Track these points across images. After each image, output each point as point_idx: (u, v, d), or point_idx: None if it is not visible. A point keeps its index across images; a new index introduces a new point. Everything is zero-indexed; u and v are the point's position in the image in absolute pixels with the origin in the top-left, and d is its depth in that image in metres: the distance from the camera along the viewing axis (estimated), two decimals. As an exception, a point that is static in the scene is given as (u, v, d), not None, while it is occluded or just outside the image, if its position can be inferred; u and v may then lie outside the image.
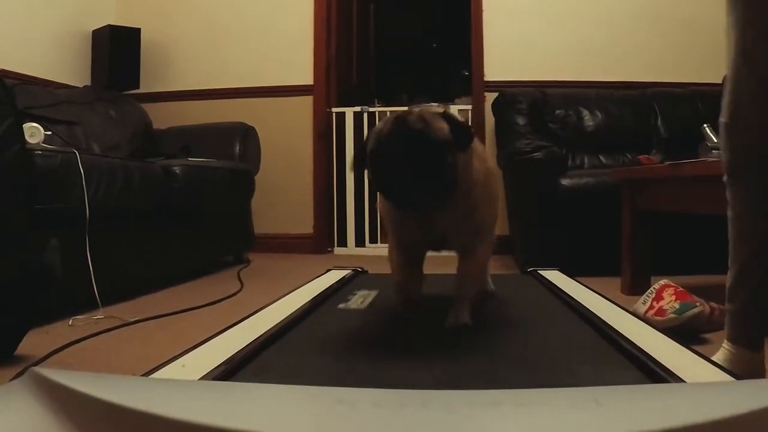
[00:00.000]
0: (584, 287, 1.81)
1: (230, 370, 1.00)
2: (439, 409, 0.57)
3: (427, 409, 0.58)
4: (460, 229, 1.23)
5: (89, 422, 0.57)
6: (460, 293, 1.29)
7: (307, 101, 3.96)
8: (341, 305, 1.56)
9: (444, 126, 1.10)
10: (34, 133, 2.24)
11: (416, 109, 1.15)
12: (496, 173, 1.35)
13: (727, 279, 1.28)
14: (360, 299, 1.63)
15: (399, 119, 1.11)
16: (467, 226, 1.23)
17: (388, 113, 4.41)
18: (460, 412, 0.57)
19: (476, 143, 1.20)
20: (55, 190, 1.93)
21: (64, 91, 3.23)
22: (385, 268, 1.77)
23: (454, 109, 3.90)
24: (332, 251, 3.95)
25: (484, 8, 3.84)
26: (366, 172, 1.17)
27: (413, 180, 1.09)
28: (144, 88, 3.85)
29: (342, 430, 0.55)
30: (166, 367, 1.02)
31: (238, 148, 3.39)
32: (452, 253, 1.35)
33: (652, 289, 1.77)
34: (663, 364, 0.99)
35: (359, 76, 4.51)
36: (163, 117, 3.78)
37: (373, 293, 1.70)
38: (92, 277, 1.98)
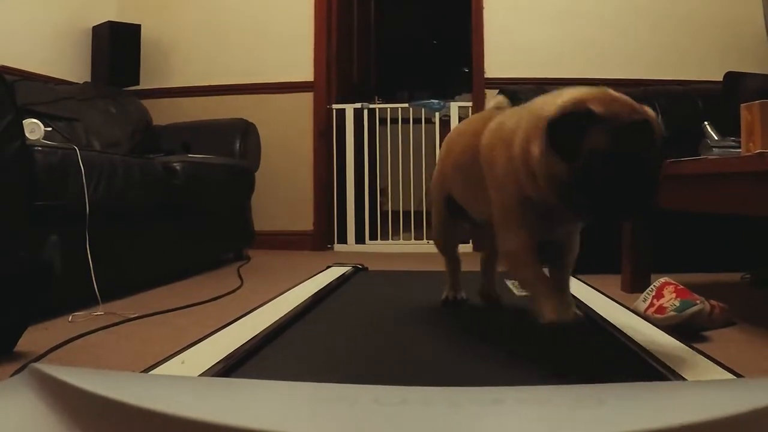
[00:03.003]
0: (585, 285, 1.82)
1: (230, 367, 1.00)
2: (442, 406, 0.57)
3: (430, 405, 0.57)
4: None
5: (89, 418, 0.57)
6: (566, 285, 1.22)
7: (308, 98, 3.95)
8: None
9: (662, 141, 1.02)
10: (34, 129, 2.24)
11: (640, 107, 1.04)
12: None
13: None
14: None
15: (647, 125, 1.00)
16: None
17: (388, 110, 4.36)
18: (462, 409, 0.56)
19: None
20: (55, 187, 1.92)
21: (64, 87, 3.23)
22: (385, 266, 1.77)
23: (454, 107, 3.90)
24: (332, 248, 3.95)
25: (484, 5, 3.83)
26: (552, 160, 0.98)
27: (641, 193, 0.98)
28: (144, 84, 3.85)
29: (344, 427, 0.55)
30: (166, 363, 1.02)
31: (238, 144, 3.39)
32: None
33: (652, 286, 1.77)
34: (664, 361, 1.00)
35: (360, 73, 4.50)
36: (164, 113, 3.78)
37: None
38: (92, 273, 1.97)
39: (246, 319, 1.38)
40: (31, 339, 1.52)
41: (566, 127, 0.97)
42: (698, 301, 1.63)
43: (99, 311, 1.92)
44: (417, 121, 4.28)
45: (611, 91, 1.04)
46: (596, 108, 0.98)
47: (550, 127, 0.98)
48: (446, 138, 1.54)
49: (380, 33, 4.98)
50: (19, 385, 0.63)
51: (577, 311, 1.15)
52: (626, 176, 0.94)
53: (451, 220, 1.53)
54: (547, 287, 1.10)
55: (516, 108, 1.25)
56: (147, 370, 0.97)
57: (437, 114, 4.05)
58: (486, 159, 1.20)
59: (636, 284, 2.27)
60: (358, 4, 4.43)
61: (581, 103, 0.99)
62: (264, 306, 1.53)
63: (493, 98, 1.47)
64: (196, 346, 1.14)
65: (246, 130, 3.48)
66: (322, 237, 3.95)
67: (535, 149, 1.02)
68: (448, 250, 1.59)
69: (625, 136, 0.96)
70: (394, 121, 4.07)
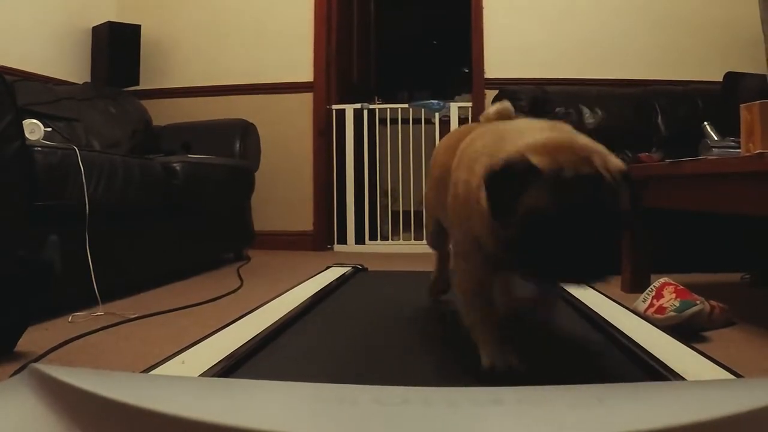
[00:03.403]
0: (584, 285, 1.81)
1: (230, 367, 1.00)
2: (442, 406, 0.57)
3: (430, 406, 0.57)
4: None
5: (89, 418, 0.57)
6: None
7: (308, 98, 3.95)
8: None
9: (627, 196, 0.92)
10: (33, 129, 2.24)
11: (598, 157, 0.91)
12: None
13: None
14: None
15: (596, 179, 0.87)
16: None
17: (388, 111, 4.35)
18: (462, 410, 0.56)
19: None
20: (55, 187, 1.92)
21: (64, 87, 3.23)
22: (385, 266, 1.77)
23: (454, 107, 3.90)
24: (332, 248, 3.95)
25: (484, 5, 3.83)
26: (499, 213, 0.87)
27: (590, 256, 0.87)
28: (144, 84, 3.85)
29: (344, 427, 0.55)
30: (166, 363, 1.02)
31: (238, 145, 3.39)
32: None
33: (652, 287, 1.77)
34: (664, 362, 1.00)
35: (359, 73, 4.50)
36: (163, 114, 3.78)
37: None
38: (92, 273, 1.98)
39: (246, 319, 1.38)
40: (31, 339, 1.52)
41: (500, 186, 0.87)
42: (698, 302, 1.63)
43: (99, 311, 1.92)
44: (417, 121, 4.28)
45: (573, 137, 0.94)
46: (538, 160, 0.87)
47: (486, 183, 0.89)
48: (433, 152, 1.43)
49: (380, 33, 4.98)
50: (19, 385, 0.63)
51: (516, 362, 1.04)
52: (570, 238, 0.84)
53: (443, 235, 1.50)
54: (488, 332, 1.03)
55: (492, 127, 1.13)
56: (147, 370, 0.97)
57: (437, 114, 4.05)
58: (453, 183, 1.10)
59: (636, 284, 2.27)
60: (358, 5, 4.43)
61: (524, 154, 0.88)
62: (264, 306, 1.53)
63: (498, 104, 1.29)
64: (196, 346, 1.14)
65: (246, 130, 3.48)
66: (322, 237, 3.95)
67: (483, 197, 0.92)
68: (439, 249, 1.60)
69: (566, 193, 0.85)
70: (394, 121, 4.07)
